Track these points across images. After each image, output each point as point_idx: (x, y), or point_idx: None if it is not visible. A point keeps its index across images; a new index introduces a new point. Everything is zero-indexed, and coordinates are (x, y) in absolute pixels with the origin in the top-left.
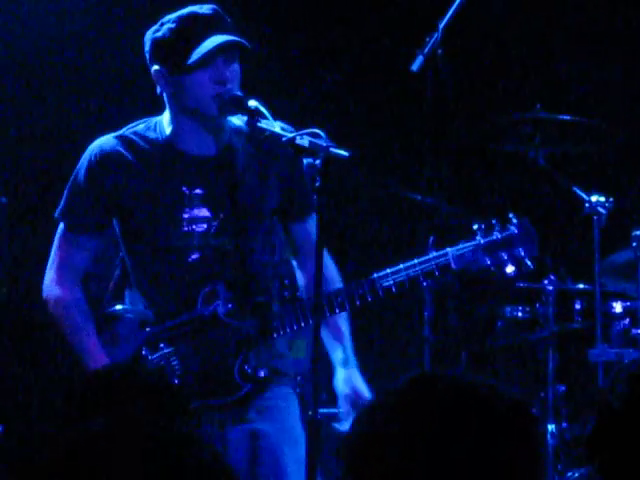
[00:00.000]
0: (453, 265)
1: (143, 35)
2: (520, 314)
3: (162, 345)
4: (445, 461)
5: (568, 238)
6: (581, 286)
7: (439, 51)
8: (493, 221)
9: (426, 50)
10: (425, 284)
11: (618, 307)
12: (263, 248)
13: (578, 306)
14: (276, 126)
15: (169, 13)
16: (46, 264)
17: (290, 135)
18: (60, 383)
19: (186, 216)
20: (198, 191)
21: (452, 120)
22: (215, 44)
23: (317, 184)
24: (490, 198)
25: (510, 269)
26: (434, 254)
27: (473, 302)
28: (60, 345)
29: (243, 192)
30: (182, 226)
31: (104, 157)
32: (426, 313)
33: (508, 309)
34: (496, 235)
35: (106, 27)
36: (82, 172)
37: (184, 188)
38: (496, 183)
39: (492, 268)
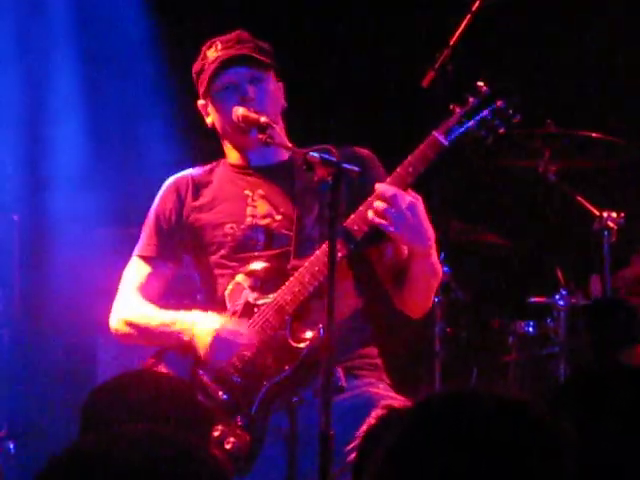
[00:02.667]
0: (444, 142)
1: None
2: (531, 329)
3: (199, 370)
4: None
5: (579, 253)
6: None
7: (449, 67)
8: (467, 94)
9: (437, 66)
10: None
11: None
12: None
13: None
14: (288, 142)
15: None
16: (56, 279)
17: (302, 151)
18: (71, 399)
19: (249, 211)
20: (260, 191)
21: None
22: (225, 57)
23: (329, 199)
24: (501, 213)
25: (500, 128)
26: (423, 144)
27: (484, 317)
28: (71, 361)
29: (305, 203)
30: (245, 220)
31: (177, 189)
32: (437, 328)
33: (519, 324)
34: (472, 101)
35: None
36: (157, 206)
37: (247, 191)
38: (506, 198)
39: (482, 131)
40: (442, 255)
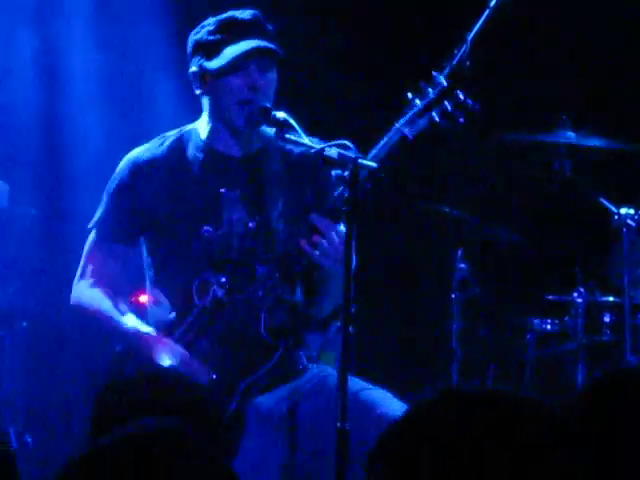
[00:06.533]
0: (408, 134)
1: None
2: (549, 327)
3: (188, 352)
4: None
5: (597, 250)
6: (610, 299)
7: (467, 63)
8: (421, 84)
9: (454, 62)
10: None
11: None
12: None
13: (607, 319)
14: (304, 138)
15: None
16: (74, 273)
17: (318, 147)
18: (87, 393)
19: (226, 216)
20: (236, 192)
21: (480, 132)
22: (244, 49)
23: (346, 195)
24: (519, 210)
25: (460, 118)
26: (386, 137)
27: (502, 314)
28: (88, 355)
29: (273, 197)
30: (222, 225)
31: (139, 167)
32: (454, 325)
33: (537, 322)
34: (430, 93)
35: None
36: (117, 183)
37: (223, 190)
38: (523, 194)
39: (443, 122)
40: (460, 251)
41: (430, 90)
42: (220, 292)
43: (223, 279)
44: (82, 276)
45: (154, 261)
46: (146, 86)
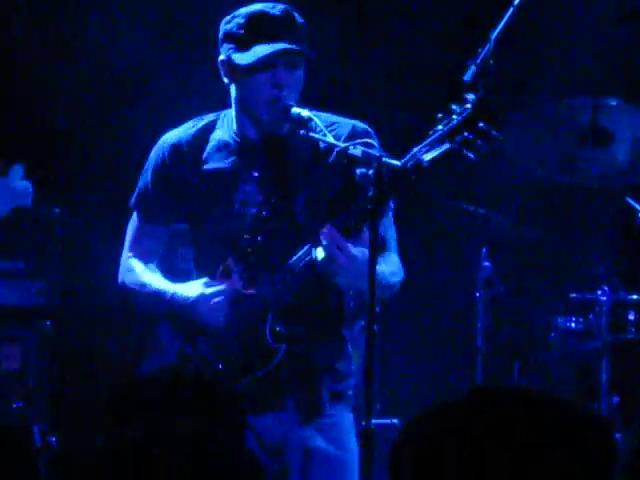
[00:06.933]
0: (424, 163)
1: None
2: (573, 325)
3: (199, 338)
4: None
5: (622, 249)
6: (635, 297)
7: (491, 61)
8: (452, 106)
9: (478, 60)
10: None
11: None
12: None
13: (632, 317)
14: (329, 136)
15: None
16: (98, 272)
17: (343, 145)
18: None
19: (240, 197)
20: (255, 175)
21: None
22: (273, 50)
23: (370, 194)
24: (543, 209)
25: (484, 148)
26: (402, 161)
27: (526, 313)
28: (115, 352)
29: (296, 185)
30: (235, 207)
31: (168, 150)
32: (479, 324)
33: (561, 320)
34: (455, 119)
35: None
36: (153, 166)
37: (241, 172)
38: (549, 194)
39: (463, 150)
40: (484, 250)
41: (456, 117)
42: (239, 283)
43: (244, 269)
44: (126, 255)
45: (192, 244)
46: (172, 77)
